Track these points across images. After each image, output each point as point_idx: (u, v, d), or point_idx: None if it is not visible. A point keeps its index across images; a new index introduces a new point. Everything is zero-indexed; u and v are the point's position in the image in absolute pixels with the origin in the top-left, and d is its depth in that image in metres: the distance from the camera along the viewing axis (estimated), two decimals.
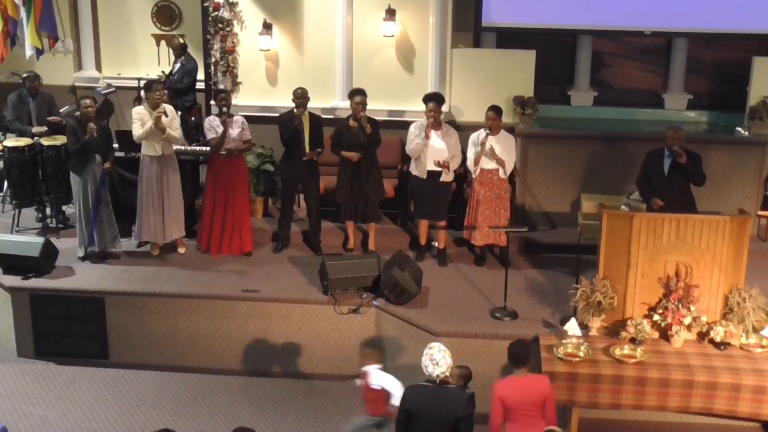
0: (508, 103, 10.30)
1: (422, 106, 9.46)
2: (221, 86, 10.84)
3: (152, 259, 9.68)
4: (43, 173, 10.13)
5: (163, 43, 12.31)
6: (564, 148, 10.25)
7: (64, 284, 9.07)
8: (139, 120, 9.28)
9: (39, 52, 11.80)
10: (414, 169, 9.46)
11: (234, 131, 9.44)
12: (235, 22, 10.84)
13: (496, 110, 9.26)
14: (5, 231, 10.05)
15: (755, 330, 7.75)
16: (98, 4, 12.23)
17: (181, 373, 8.84)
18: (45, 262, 9.20)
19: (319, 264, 8.99)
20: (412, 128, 9.40)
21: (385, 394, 6.71)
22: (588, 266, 8.41)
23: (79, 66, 12.46)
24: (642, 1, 10.68)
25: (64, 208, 10.36)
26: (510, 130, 9.74)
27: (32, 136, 10.38)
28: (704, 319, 7.76)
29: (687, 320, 7.66)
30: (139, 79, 12.00)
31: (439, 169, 9.26)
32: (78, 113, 9.51)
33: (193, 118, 11.05)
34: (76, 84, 12.39)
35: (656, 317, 7.77)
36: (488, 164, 9.21)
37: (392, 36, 10.61)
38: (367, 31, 10.71)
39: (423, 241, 9.73)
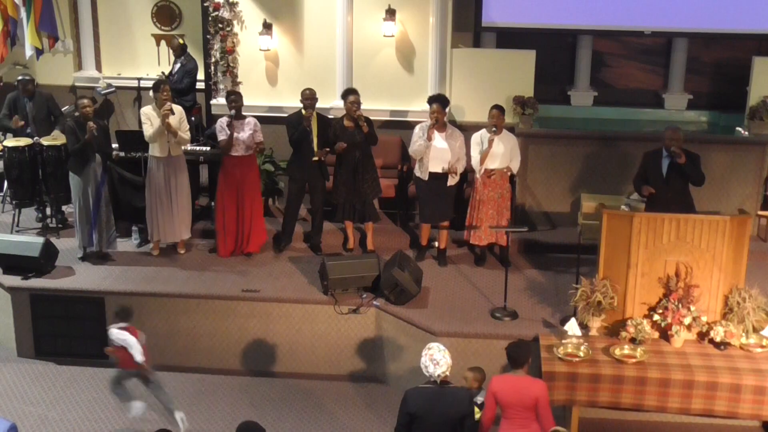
0: (508, 103, 10.30)
1: (422, 106, 9.48)
2: (222, 86, 10.84)
3: (152, 259, 9.68)
4: (43, 173, 10.13)
5: (163, 43, 12.31)
6: (564, 148, 10.25)
7: (64, 284, 9.08)
8: (148, 120, 9.28)
9: (39, 52, 11.81)
10: (417, 171, 9.45)
11: (244, 133, 9.42)
12: (235, 22, 10.85)
13: (500, 109, 9.27)
14: (5, 231, 10.05)
15: (755, 330, 7.75)
16: (98, 4, 12.23)
17: (181, 373, 8.84)
18: (45, 262, 9.21)
19: (319, 264, 8.99)
20: (416, 129, 9.38)
21: (126, 350, 7.49)
22: (588, 266, 8.41)
23: (79, 66, 12.47)
24: (642, 1, 10.69)
25: (63, 208, 10.36)
26: (510, 129, 9.74)
27: (6, 130, 10.40)
28: (704, 319, 7.75)
29: (687, 320, 7.66)
30: (139, 79, 12.02)
31: (442, 171, 9.25)
32: (77, 113, 9.51)
33: (193, 118, 11.03)
34: (76, 84, 12.39)
35: (656, 317, 7.77)
36: (492, 164, 9.20)
37: (392, 36, 10.61)
38: (367, 31, 10.71)
39: (424, 242, 9.73)
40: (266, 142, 10.08)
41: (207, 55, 10.98)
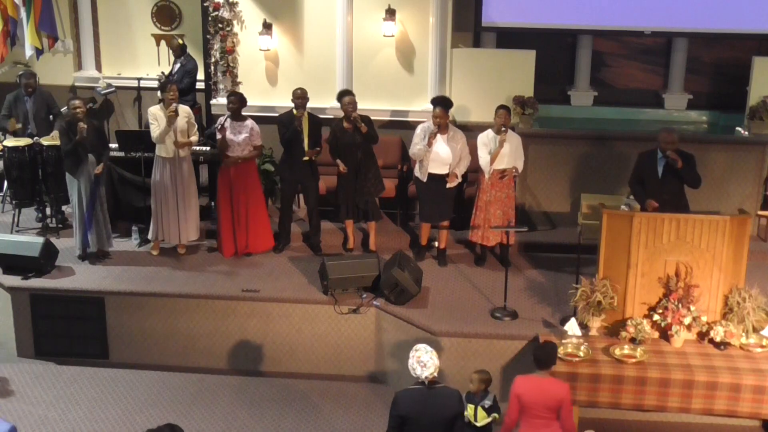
0: (508, 103, 10.28)
1: (422, 106, 9.49)
2: (221, 86, 10.84)
3: (152, 259, 9.68)
4: (43, 173, 10.13)
5: (163, 43, 12.31)
6: (564, 148, 10.25)
7: (64, 284, 9.08)
8: (156, 121, 9.28)
9: (39, 52, 11.80)
10: (416, 172, 9.45)
11: (240, 136, 9.42)
12: (235, 22, 10.85)
13: (507, 109, 9.28)
14: (5, 231, 10.05)
15: (755, 330, 7.74)
16: (98, 4, 12.23)
17: (181, 373, 8.84)
18: (45, 262, 9.20)
19: (319, 264, 8.99)
20: (418, 130, 9.36)
21: None
22: (588, 266, 8.41)
23: (79, 66, 12.46)
24: (642, 1, 10.69)
25: (63, 208, 10.36)
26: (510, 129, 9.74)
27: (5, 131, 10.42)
28: (704, 319, 7.75)
29: (687, 320, 7.66)
30: (139, 79, 12.01)
31: (441, 173, 9.25)
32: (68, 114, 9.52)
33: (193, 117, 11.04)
34: (76, 84, 12.39)
35: (656, 317, 7.77)
36: (499, 164, 9.18)
37: (392, 36, 10.61)
38: (367, 31, 10.71)
39: (424, 241, 9.73)
40: (266, 142, 10.10)
41: (207, 55, 10.98)
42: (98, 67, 12.43)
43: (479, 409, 6.89)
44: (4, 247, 9.25)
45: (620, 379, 7.33)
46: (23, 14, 11.57)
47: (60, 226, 10.29)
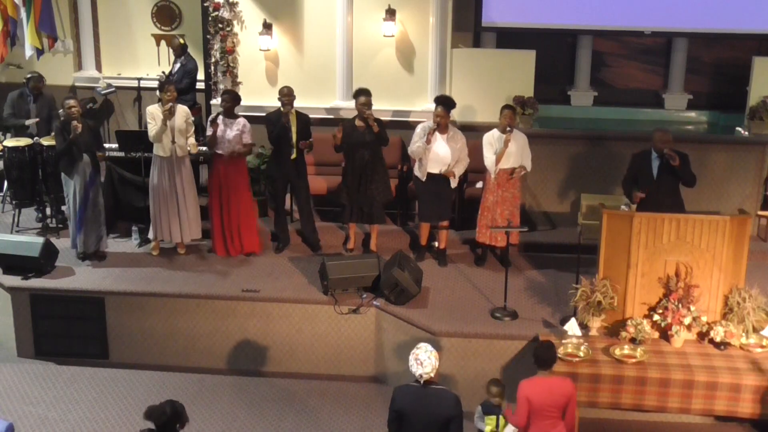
0: (509, 103, 10.28)
1: (423, 106, 9.48)
2: (222, 86, 10.84)
3: (152, 259, 9.68)
4: (43, 173, 10.13)
5: (163, 43, 12.32)
6: (564, 148, 10.25)
7: (64, 284, 9.07)
8: (153, 120, 9.29)
9: (39, 52, 11.80)
10: (416, 171, 9.45)
11: (231, 132, 9.44)
12: (235, 22, 10.84)
13: (513, 109, 9.28)
14: (5, 231, 10.05)
15: (755, 330, 7.75)
16: (98, 4, 12.23)
17: (181, 373, 8.84)
18: (45, 262, 9.20)
19: (319, 264, 8.99)
20: (417, 129, 9.35)
21: None
22: (588, 266, 8.41)
23: (79, 66, 12.47)
24: (642, 1, 10.69)
25: (63, 208, 10.36)
26: None
27: (26, 128, 10.40)
28: (704, 319, 7.76)
29: (687, 320, 7.66)
30: (139, 79, 12.02)
31: (439, 173, 9.25)
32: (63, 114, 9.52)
33: (193, 119, 11.04)
34: (76, 84, 12.39)
35: (656, 317, 7.77)
36: (506, 163, 9.17)
37: (392, 36, 10.60)
38: (367, 31, 10.71)
39: (424, 241, 9.73)
40: (265, 142, 10.09)
41: (207, 55, 10.98)
42: (98, 67, 12.44)
43: (501, 418, 6.78)
44: (4, 247, 9.25)
45: (620, 379, 7.33)
46: (23, 14, 11.57)
47: (60, 226, 10.28)
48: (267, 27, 10.75)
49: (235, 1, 10.76)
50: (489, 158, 9.21)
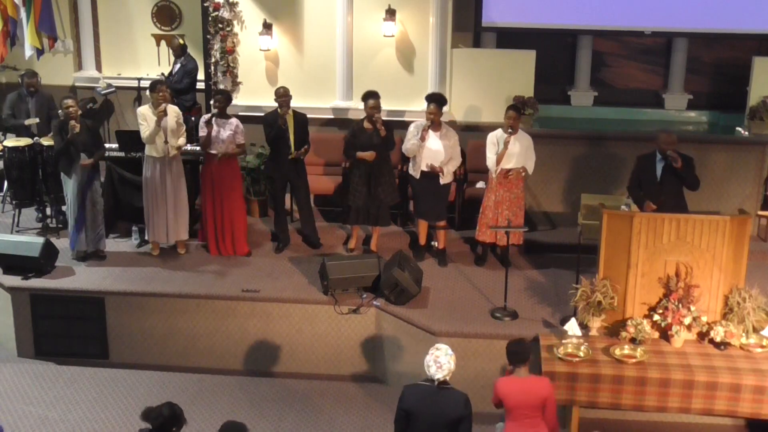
0: (508, 103, 10.29)
1: (423, 106, 9.47)
2: (221, 86, 10.84)
3: (152, 259, 9.68)
4: (43, 173, 10.13)
5: (163, 43, 12.31)
6: (564, 148, 10.25)
7: (64, 284, 9.07)
8: (145, 121, 9.28)
9: (39, 52, 11.80)
10: (410, 169, 9.47)
11: (224, 132, 9.44)
12: (235, 22, 10.85)
13: (517, 109, 9.27)
14: (5, 231, 10.05)
15: (755, 330, 7.75)
16: (98, 4, 12.23)
17: (181, 373, 8.84)
18: (45, 262, 9.20)
19: (319, 264, 8.99)
20: (411, 127, 9.40)
21: None
22: (588, 266, 8.41)
23: (79, 66, 12.46)
24: (642, 1, 10.69)
25: (63, 208, 10.36)
26: None
27: (26, 127, 10.40)
28: (704, 319, 7.75)
29: (687, 320, 7.66)
30: (139, 79, 12.01)
31: (429, 169, 9.26)
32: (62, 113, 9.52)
33: (193, 118, 11.05)
34: (76, 84, 12.39)
35: (656, 317, 7.77)
36: (508, 163, 9.17)
37: (392, 36, 10.61)
38: (367, 31, 10.71)
39: (422, 240, 9.74)
40: (265, 142, 10.09)
41: (207, 55, 10.98)
42: (98, 67, 12.43)
43: None
44: (4, 247, 9.25)
45: (620, 380, 7.33)
46: (23, 14, 11.56)
47: (60, 226, 10.28)
48: (267, 27, 10.75)
49: (235, 1, 10.77)
50: (490, 158, 9.22)
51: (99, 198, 9.48)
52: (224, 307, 8.86)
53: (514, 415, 6.31)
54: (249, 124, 9.85)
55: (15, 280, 9.09)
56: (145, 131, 9.29)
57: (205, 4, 10.83)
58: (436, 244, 9.72)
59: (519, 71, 10.64)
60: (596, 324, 7.88)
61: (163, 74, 11.82)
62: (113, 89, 12.13)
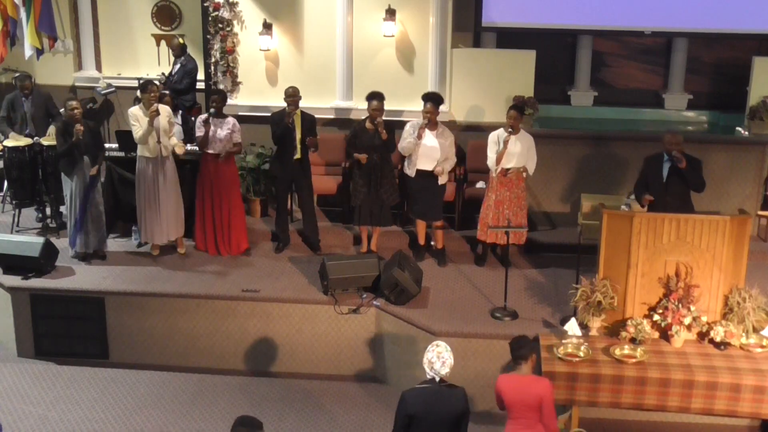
0: (508, 103, 10.30)
1: (422, 106, 9.46)
2: (221, 86, 10.84)
3: (152, 259, 9.68)
4: (43, 173, 10.14)
5: (163, 43, 12.32)
6: (564, 148, 10.25)
7: (64, 284, 9.07)
8: (137, 122, 9.28)
9: (39, 52, 11.80)
10: (406, 168, 9.47)
11: (222, 132, 9.44)
12: (235, 22, 10.85)
13: (519, 109, 9.27)
14: (5, 231, 10.06)
15: (755, 330, 7.74)
16: (98, 4, 12.23)
17: (181, 373, 8.84)
18: (45, 262, 9.20)
19: (319, 264, 8.99)
20: (407, 126, 9.41)
21: None
22: (588, 266, 8.41)
23: (79, 66, 12.47)
24: (642, 1, 10.69)
25: (62, 208, 10.36)
26: None
27: (22, 129, 10.42)
28: (704, 319, 7.75)
29: (687, 320, 7.66)
30: (139, 79, 11.99)
31: (429, 168, 9.27)
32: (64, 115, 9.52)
33: (193, 118, 11.05)
34: (76, 84, 12.40)
35: (656, 317, 7.77)
36: (509, 163, 9.17)
37: (392, 36, 10.61)
38: (367, 31, 10.71)
39: (421, 240, 9.74)
40: (266, 142, 10.10)
41: (207, 55, 10.98)
42: (98, 67, 12.44)
43: None
44: (4, 247, 9.25)
45: (620, 379, 7.32)
46: (23, 14, 11.57)
47: (60, 226, 10.28)
48: (267, 27, 10.75)
49: (235, 1, 10.77)
50: (490, 157, 9.22)
51: (101, 198, 9.49)
52: (224, 307, 8.86)
53: (512, 413, 6.29)
54: (249, 124, 9.86)
55: (15, 280, 9.09)
56: (137, 132, 9.29)
57: (205, 4, 10.84)
58: (434, 244, 9.72)
59: (519, 71, 10.64)
60: (596, 324, 7.88)
61: (163, 74, 11.83)
62: (113, 89, 12.13)
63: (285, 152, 9.54)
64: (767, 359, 7.48)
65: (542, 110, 10.70)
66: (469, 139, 10.40)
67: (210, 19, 10.84)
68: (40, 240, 9.33)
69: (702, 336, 7.78)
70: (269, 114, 10.46)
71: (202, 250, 9.75)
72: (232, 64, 10.92)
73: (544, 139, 10.24)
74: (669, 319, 7.70)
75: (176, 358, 8.96)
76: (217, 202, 9.58)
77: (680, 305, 7.68)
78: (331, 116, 10.85)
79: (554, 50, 11.39)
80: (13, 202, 10.29)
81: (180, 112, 11.18)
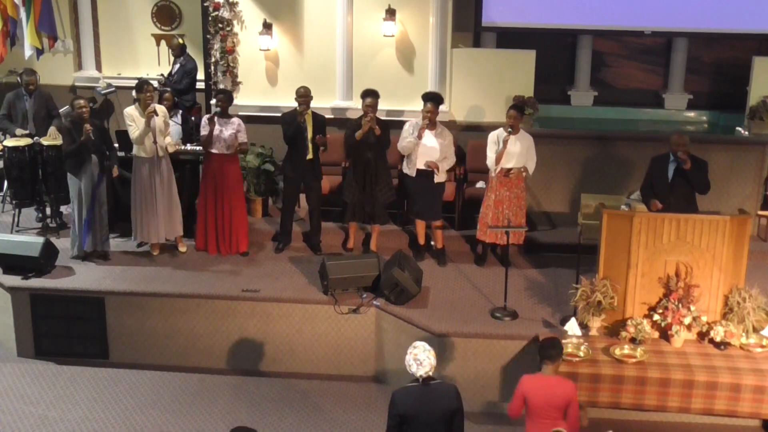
0: (508, 103, 10.30)
1: (422, 106, 9.46)
2: (222, 86, 10.84)
3: (152, 259, 9.68)
4: (43, 173, 10.13)
5: (163, 43, 12.32)
6: (564, 148, 10.25)
7: (64, 284, 9.07)
8: (133, 122, 9.28)
9: (39, 52, 11.80)
10: (405, 168, 9.48)
11: (227, 132, 9.44)
12: (235, 22, 10.85)
13: (518, 109, 9.27)
14: (5, 231, 10.05)
15: (755, 330, 7.75)
16: (98, 4, 12.24)
17: (181, 373, 8.84)
18: (45, 262, 9.20)
19: (319, 264, 8.99)
20: (406, 126, 9.42)
21: None
22: (588, 266, 8.41)
23: (79, 66, 12.47)
24: (642, 1, 10.69)
25: (63, 208, 10.36)
26: None
27: (14, 135, 10.43)
28: (704, 318, 7.76)
29: (687, 320, 7.67)
30: (138, 79, 12.00)
31: (429, 169, 9.27)
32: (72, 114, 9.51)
33: (193, 118, 11.05)
34: (76, 84, 12.40)
35: (656, 317, 7.77)
36: (508, 163, 9.17)
37: (392, 36, 10.61)
38: (367, 31, 10.71)
39: (421, 240, 9.74)
40: (266, 142, 10.10)
41: (207, 55, 10.98)
42: (98, 67, 12.44)
43: None
44: (4, 247, 9.25)
45: (620, 379, 7.33)
46: (23, 14, 11.57)
47: (60, 226, 10.28)
48: (267, 27, 10.75)
49: (235, 1, 10.77)
50: (490, 157, 9.22)
51: (104, 198, 9.50)
52: (224, 307, 8.86)
53: (535, 413, 6.28)
54: (249, 124, 9.84)
55: (15, 280, 9.09)
56: (134, 132, 9.28)
57: (205, 4, 10.84)
58: (434, 244, 9.72)
59: (519, 71, 10.64)
60: (596, 324, 7.88)
61: (162, 74, 11.83)
62: (113, 89, 12.13)
63: (296, 152, 9.52)
64: (767, 359, 7.49)
65: (542, 110, 10.70)
66: (469, 139, 10.40)
67: (210, 19, 10.84)
68: (40, 240, 9.33)
69: (702, 336, 7.78)
70: (269, 114, 10.50)
71: (202, 250, 9.76)
72: (232, 64, 10.92)
73: (544, 139, 10.24)
74: (669, 319, 7.70)
75: (176, 358, 8.96)
76: (220, 201, 9.58)
77: (680, 305, 7.68)
78: (331, 116, 10.84)
79: (554, 50, 11.39)
80: (13, 201, 10.28)
81: (180, 111, 11.17)
